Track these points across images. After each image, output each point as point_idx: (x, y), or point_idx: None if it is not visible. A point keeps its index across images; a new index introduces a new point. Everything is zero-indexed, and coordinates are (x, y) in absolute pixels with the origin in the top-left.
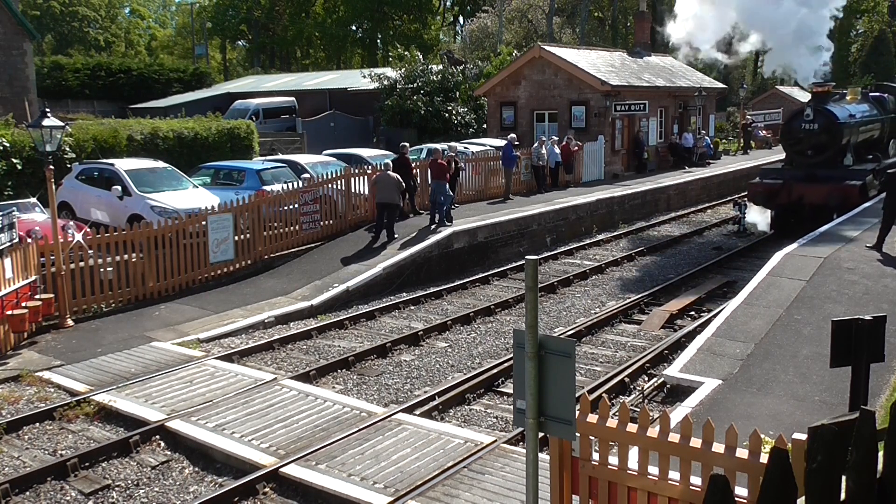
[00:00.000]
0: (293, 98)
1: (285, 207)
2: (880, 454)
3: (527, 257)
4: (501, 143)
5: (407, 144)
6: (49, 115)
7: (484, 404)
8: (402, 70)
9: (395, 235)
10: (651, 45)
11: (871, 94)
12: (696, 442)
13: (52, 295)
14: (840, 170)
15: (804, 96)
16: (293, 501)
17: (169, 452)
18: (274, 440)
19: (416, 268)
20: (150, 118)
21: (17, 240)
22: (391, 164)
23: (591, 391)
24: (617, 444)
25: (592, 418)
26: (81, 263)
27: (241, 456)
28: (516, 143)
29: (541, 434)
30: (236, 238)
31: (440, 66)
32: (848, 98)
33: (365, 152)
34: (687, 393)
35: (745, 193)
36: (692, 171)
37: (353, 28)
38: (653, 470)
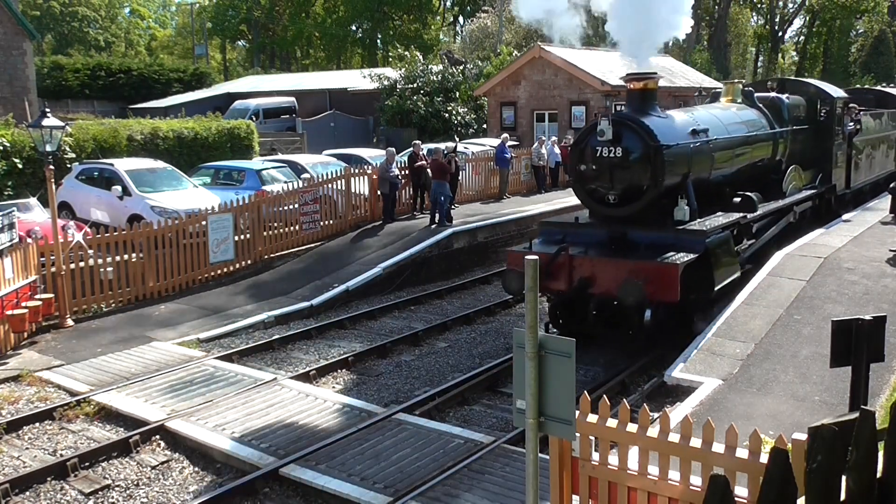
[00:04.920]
0: (293, 98)
1: (285, 207)
2: (880, 454)
3: (527, 257)
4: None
5: (419, 142)
6: (49, 115)
7: (484, 404)
8: (402, 70)
9: (391, 220)
10: None
11: (759, 94)
12: (696, 442)
13: (52, 295)
14: (666, 230)
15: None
16: (293, 501)
17: (169, 452)
18: (274, 440)
19: (416, 268)
20: (150, 118)
21: (17, 240)
22: (393, 152)
23: (591, 391)
24: (617, 444)
25: (592, 418)
26: (81, 263)
27: (241, 456)
28: (511, 143)
29: (541, 434)
30: (236, 238)
31: (440, 67)
32: (723, 100)
33: (365, 152)
34: (687, 393)
35: None
36: None
37: (353, 28)
38: (653, 470)
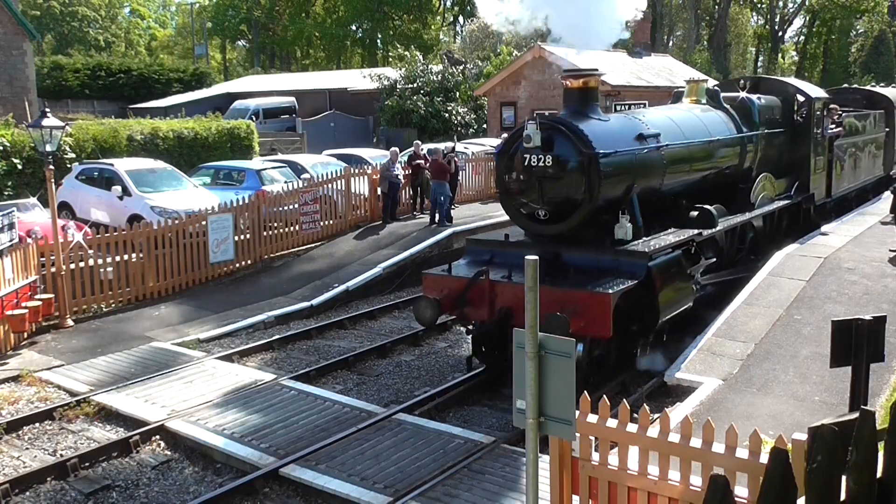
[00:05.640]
0: (293, 98)
1: (285, 207)
2: (880, 454)
3: (526, 257)
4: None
5: (419, 142)
6: (49, 115)
7: (484, 404)
8: (402, 70)
9: (391, 220)
10: (651, 45)
11: (727, 94)
12: (696, 442)
13: (52, 295)
14: (604, 251)
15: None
16: (293, 501)
17: (169, 452)
18: (274, 440)
19: (416, 268)
20: (150, 118)
21: (17, 240)
22: (396, 152)
23: (591, 391)
24: (617, 444)
25: (592, 418)
26: (81, 263)
27: (241, 456)
28: None
29: (541, 434)
30: (236, 238)
31: (440, 67)
32: (685, 101)
33: (365, 152)
34: (687, 393)
35: None
36: None
37: (353, 28)
38: (653, 470)
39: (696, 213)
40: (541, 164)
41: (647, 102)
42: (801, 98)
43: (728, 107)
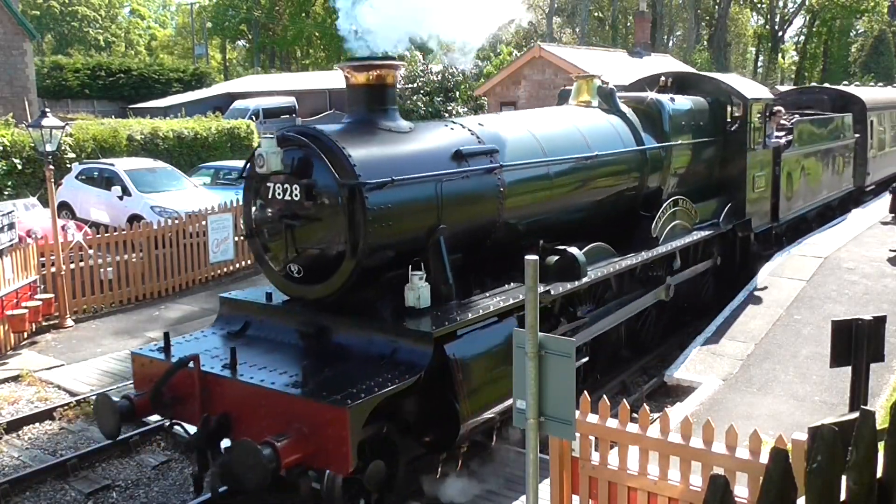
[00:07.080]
0: (293, 98)
1: None
2: (880, 454)
3: (526, 257)
4: None
5: None
6: (49, 115)
7: None
8: (402, 70)
9: None
10: (651, 45)
11: (631, 94)
12: (696, 442)
13: (52, 295)
14: (381, 328)
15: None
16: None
17: (169, 452)
18: None
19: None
20: (150, 118)
21: (16, 240)
22: None
23: (591, 391)
24: (617, 444)
25: (592, 418)
26: (81, 263)
27: None
28: None
29: (541, 434)
30: (236, 238)
31: (440, 67)
32: (572, 102)
33: None
34: (687, 393)
35: None
36: None
37: None
38: (653, 470)
39: (556, 259)
40: (287, 197)
41: None
42: (734, 100)
43: (628, 111)
